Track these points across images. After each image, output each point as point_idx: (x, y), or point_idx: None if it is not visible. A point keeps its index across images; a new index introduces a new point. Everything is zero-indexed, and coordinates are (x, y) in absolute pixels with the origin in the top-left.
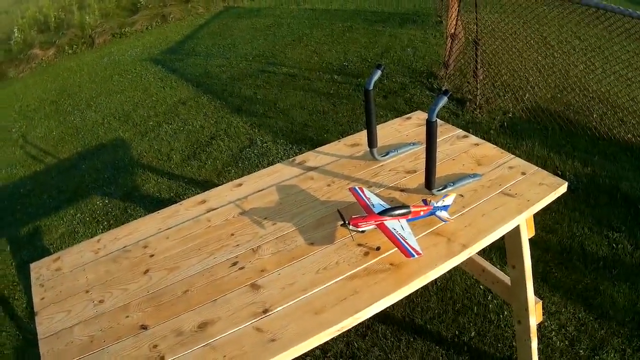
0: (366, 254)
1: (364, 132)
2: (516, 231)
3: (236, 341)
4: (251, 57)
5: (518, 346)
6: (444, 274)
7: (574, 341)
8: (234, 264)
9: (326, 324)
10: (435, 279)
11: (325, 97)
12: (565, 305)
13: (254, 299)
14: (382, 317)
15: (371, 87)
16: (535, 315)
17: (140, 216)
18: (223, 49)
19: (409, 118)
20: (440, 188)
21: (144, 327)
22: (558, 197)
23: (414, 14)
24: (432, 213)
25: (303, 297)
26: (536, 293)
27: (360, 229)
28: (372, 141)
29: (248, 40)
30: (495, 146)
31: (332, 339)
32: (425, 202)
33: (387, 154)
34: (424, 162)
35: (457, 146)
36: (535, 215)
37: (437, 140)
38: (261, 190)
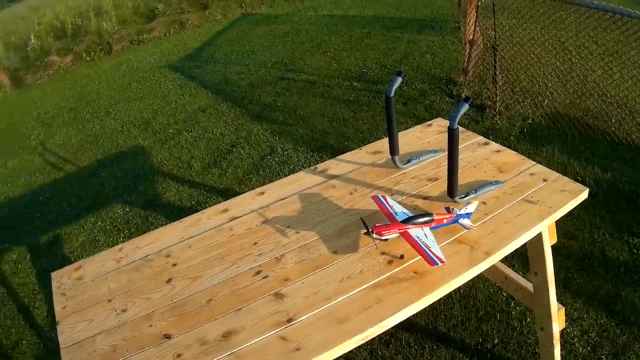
0: (390, 262)
1: (385, 140)
2: (538, 238)
3: (260, 350)
4: (270, 64)
5: (541, 353)
6: (467, 281)
7: (596, 347)
8: (257, 273)
9: (350, 333)
10: (458, 287)
11: (345, 104)
12: (587, 311)
13: (278, 308)
14: (405, 325)
15: (392, 94)
16: (558, 321)
17: (162, 225)
18: (242, 56)
19: (429, 125)
20: (463, 195)
21: (168, 337)
22: (579, 204)
23: (432, 20)
24: (455, 221)
25: (327, 306)
26: (558, 299)
27: (383, 237)
28: (393, 149)
29: (266, 47)
30: (516, 153)
31: (356, 347)
32: (448, 209)
33: (409, 161)
34: (446, 169)
35: (478, 153)
36: (557, 222)
37: (459, 147)
38: (283, 199)
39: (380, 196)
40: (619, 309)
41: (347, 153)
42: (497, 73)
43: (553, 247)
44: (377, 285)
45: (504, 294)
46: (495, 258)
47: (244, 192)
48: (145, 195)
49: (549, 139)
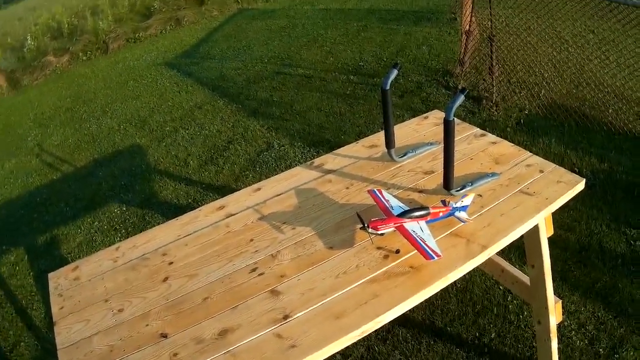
0: (386, 257)
1: (382, 133)
2: (535, 230)
3: (256, 348)
4: (266, 59)
5: (538, 346)
6: (464, 275)
7: (594, 340)
8: (254, 270)
9: (347, 329)
10: (455, 281)
11: (342, 98)
12: (585, 304)
13: (274, 305)
14: (402, 321)
15: (388, 87)
16: (555, 314)
17: (159, 223)
18: (238, 52)
19: (426, 117)
20: (459, 188)
21: (164, 336)
22: (576, 194)
23: (428, 11)
24: (451, 214)
25: (323, 302)
26: (555, 292)
27: (379, 232)
28: (389, 142)
29: (263, 42)
30: (512, 144)
31: (353, 343)
32: (444, 203)
33: (405, 154)
34: (442, 162)
35: (475, 145)
36: (553, 214)
37: (455, 139)
38: (280, 195)
39: (376, 190)
40: (616, 301)
41: (344, 147)
42: (494, 64)
43: (550, 239)
44: (373, 281)
45: (500, 287)
46: (492, 251)
47: (240, 189)
48: (142, 194)
49: (545, 129)
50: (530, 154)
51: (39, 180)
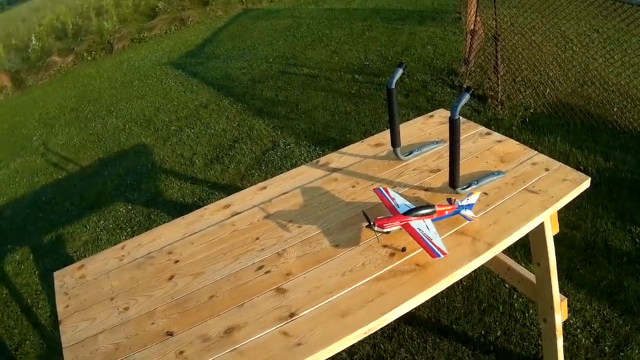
0: (392, 255)
1: (387, 132)
2: (541, 228)
3: (262, 346)
4: (271, 58)
5: (544, 344)
6: (469, 273)
7: (599, 338)
8: (260, 268)
9: (353, 327)
10: (461, 279)
11: (347, 97)
12: (590, 302)
13: (280, 303)
14: (408, 318)
15: (393, 86)
16: (560, 312)
17: (164, 222)
18: (243, 52)
19: (431, 116)
20: (465, 186)
21: (170, 334)
22: (581, 193)
23: (433, 11)
24: (457, 212)
25: (329, 300)
26: (561, 290)
27: (385, 230)
28: (395, 141)
29: (268, 42)
30: (518, 142)
31: (359, 341)
32: (449, 201)
33: (411, 153)
34: (448, 160)
35: (480, 143)
36: (559, 212)
37: (460, 138)
38: (285, 193)
39: (382, 189)
40: (622, 299)
41: (349, 146)
42: (499, 63)
43: (555, 238)
44: (379, 279)
45: (506, 285)
46: (498, 249)
47: (246, 188)
48: (148, 193)
49: (550, 128)
50: (536, 152)
51: (44, 180)
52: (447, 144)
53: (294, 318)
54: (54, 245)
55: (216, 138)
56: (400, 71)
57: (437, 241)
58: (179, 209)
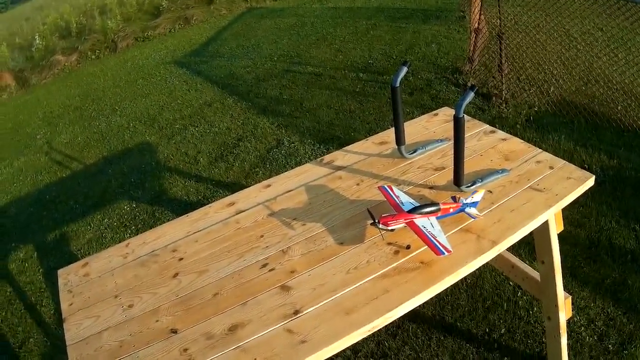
0: (396, 252)
1: (392, 130)
2: (545, 226)
3: (267, 343)
4: (276, 57)
5: (548, 342)
6: (474, 271)
7: (603, 336)
8: (264, 265)
9: (357, 324)
10: (465, 277)
11: (352, 95)
12: (594, 300)
13: (285, 300)
14: (412, 316)
15: (398, 84)
16: (564, 310)
17: (169, 220)
18: (247, 50)
19: (435, 114)
20: (469, 184)
21: (174, 331)
22: (585, 191)
23: (437, 9)
24: (462, 210)
25: (333, 297)
26: (565, 288)
27: (390, 228)
28: (399, 139)
29: (272, 41)
30: (522, 141)
31: (363, 338)
32: (454, 199)
33: (415, 151)
34: (452, 158)
35: (485, 142)
36: (563, 210)
37: (465, 136)
38: (290, 191)
39: (386, 186)
40: (626, 297)
41: (354, 144)
42: (503, 61)
43: (559, 235)
44: (384, 276)
45: (510, 283)
46: (502, 247)
47: (250, 186)
48: (152, 191)
49: (555, 126)
50: (540, 150)
51: (48, 178)
52: (452, 142)
53: (298, 315)
54: (58, 243)
55: (220, 136)
56: (404, 69)
57: (442, 239)
58: (183, 207)
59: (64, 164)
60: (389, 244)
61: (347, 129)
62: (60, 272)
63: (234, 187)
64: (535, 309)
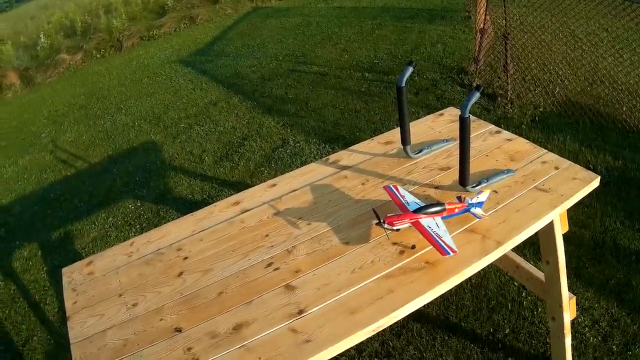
0: (401, 252)
1: (397, 130)
2: (550, 227)
3: (271, 342)
4: (281, 56)
5: (552, 343)
6: (479, 271)
7: (607, 337)
8: (269, 265)
9: (362, 324)
10: (470, 277)
11: (357, 95)
12: (598, 300)
13: (289, 299)
14: (417, 316)
15: (403, 84)
16: (569, 311)
17: (173, 219)
18: (253, 49)
19: (441, 114)
20: (474, 184)
21: (178, 330)
22: (590, 192)
23: (443, 9)
24: (467, 210)
25: (338, 297)
26: (570, 289)
27: (395, 228)
28: (405, 139)
29: (277, 40)
30: (528, 141)
31: (367, 338)
32: (459, 199)
33: (421, 151)
34: (458, 158)
35: (490, 142)
36: (568, 210)
37: (470, 136)
38: (295, 191)
39: (392, 186)
40: (630, 298)
41: (359, 144)
42: (508, 61)
43: (564, 236)
44: (389, 276)
45: (515, 283)
46: (507, 247)
47: (255, 185)
48: (157, 190)
49: (560, 127)
50: (546, 151)
51: (53, 177)
52: (457, 142)
53: (302, 315)
54: (62, 241)
55: (225, 135)
56: (410, 69)
57: (447, 239)
58: (188, 206)
59: (68, 162)
60: (394, 243)
61: (352, 129)
62: (64, 270)
63: (239, 186)
64: (539, 309)
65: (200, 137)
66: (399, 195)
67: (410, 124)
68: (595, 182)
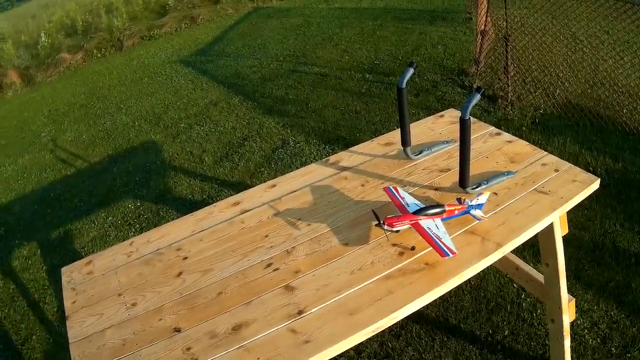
0: (401, 253)
1: (397, 131)
2: (550, 229)
3: (270, 343)
4: (282, 57)
5: (551, 345)
6: (478, 272)
7: (606, 339)
8: (269, 265)
9: (361, 325)
10: (469, 278)
11: (357, 96)
12: (598, 302)
13: (289, 300)
14: (416, 317)
15: (404, 86)
16: (568, 313)
17: (173, 219)
18: (253, 50)
19: (441, 116)
20: (474, 186)
21: (177, 330)
22: (590, 194)
23: (444, 11)
24: (467, 212)
25: (338, 298)
26: (569, 291)
27: (395, 229)
28: (405, 140)
29: (278, 41)
30: (528, 143)
31: (367, 339)
32: (459, 200)
33: (421, 152)
34: (458, 160)
35: (490, 144)
36: (568, 213)
37: (471, 138)
38: (295, 191)
39: (391, 188)
40: (629, 300)
41: (359, 145)
42: (509, 63)
43: (564, 238)
44: (388, 277)
45: (514, 285)
46: (507, 249)
47: (255, 185)
48: (157, 190)
49: (560, 129)
50: (546, 153)
51: (52, 176)
52: (457, 143)
53: (302, 315)
54: (62, 241)
55: (226, 136)
56: (410, 71)
57: (447, 240)
58: (188, 206)
59: (68, 161)
60: (394, 245)
61: (352, 130)
62: (64, 269)
63: (239, 186)
64: (539, 311)
65: (201, 137)
66: (399, 197)
67: (410, 125)
68: (595, 185)
